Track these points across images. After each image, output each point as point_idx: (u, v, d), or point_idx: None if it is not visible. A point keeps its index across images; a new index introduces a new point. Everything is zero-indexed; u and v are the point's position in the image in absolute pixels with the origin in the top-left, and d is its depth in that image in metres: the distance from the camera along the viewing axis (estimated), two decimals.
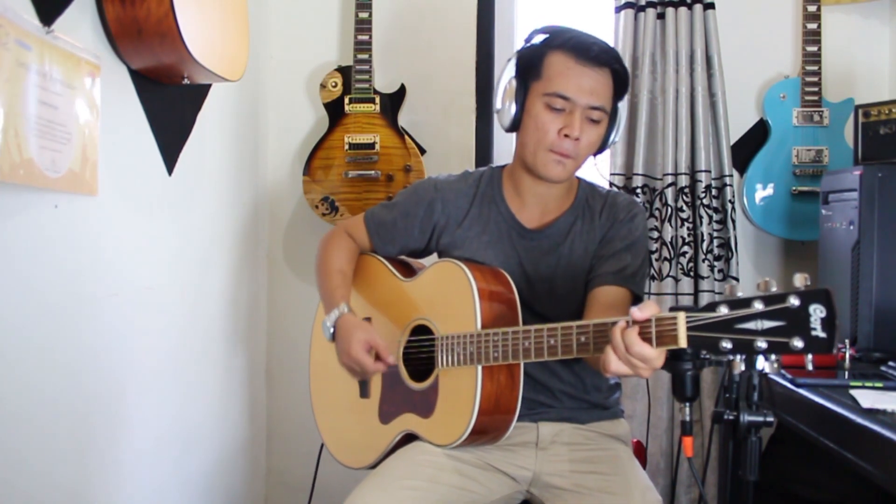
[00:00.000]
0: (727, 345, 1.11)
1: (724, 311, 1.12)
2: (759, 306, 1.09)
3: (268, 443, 2.76)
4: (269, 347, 2.74)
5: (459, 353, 1.49)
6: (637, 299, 1.59)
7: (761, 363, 1.13)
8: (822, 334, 1.05)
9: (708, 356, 1.22)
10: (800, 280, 1.08)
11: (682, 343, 1.15)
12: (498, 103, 1.62)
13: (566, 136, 1.53)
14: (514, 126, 1.60)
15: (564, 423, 1.62)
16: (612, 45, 2.45)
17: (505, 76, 1.61)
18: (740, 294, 1.12)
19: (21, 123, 1.37)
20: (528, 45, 1.60)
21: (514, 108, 1.58)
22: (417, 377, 1.59)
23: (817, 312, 1.05)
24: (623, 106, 1.61)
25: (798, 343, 1.06)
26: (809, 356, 1.08)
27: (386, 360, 1.56)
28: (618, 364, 1.23)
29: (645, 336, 1.20)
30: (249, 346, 2.60)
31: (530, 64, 1.57)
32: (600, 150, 1.63)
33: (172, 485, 2.09)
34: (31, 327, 1.51)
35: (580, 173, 1.68)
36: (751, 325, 1.09)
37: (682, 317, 1.15)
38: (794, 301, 1.06)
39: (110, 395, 1.78)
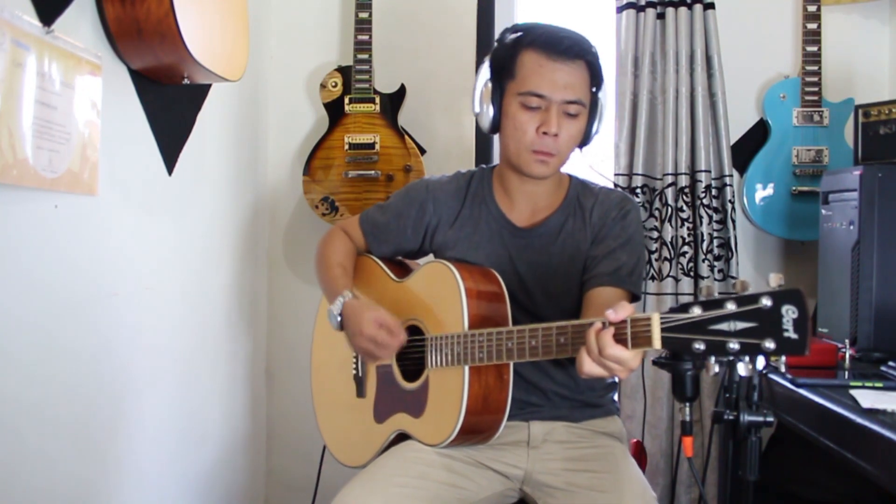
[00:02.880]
0: (700, 346, 1.09)
1: (697, 311, 1.10)
2: (731, 307, 1.07)
3: (268, 443, 2.76)
4: (269, 347, 2.74)
5: (447, 354, 1.49)
6: (634, 298, 1.59)
7: (741, 367, 1.12)
8: (794, 335, 1.03)
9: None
10: (774, 280, 1.07)
11: (657, 345, 1.14)
12: (476, 106, 1.63)
13: (544, 133, 1.53)
14: (494, 128, 1.61)
15: (556, 422, 1.62)
16: (614, 44, 2.45)
17: (480, 79, 1.61)
18: (716, 294, 1.10)
19: (15, 124, 1.36)
20: (500, 45, 1.60)
21: (491, 111, 1.59)
22: (410, 377, 1.60)
23: (789, 313, 1.04)
24: (604, 95, 1.60)
25: (770, 344, 1.04)
26: (782, 358, 1.07)
27: (398, 337, 1.54)
28: (591, 365, 1.23)
29: (620, 338, 1.19)
30: (249, 345, 2.60)
31: (503, 65, 1.57)
32: (584, 142, 1.62)
33: (172, 484, 2.09)
34: (33, 326, 1.51)
35: (573, 171, 1.68)
36: (724, 326, 1.08)
37: (656, 318, 1.14)
38: (766, 302, 1.05)
39: (111, 395, 1.78)
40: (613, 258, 1.58)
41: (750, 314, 1.06)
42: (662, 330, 1.14)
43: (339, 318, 1.61)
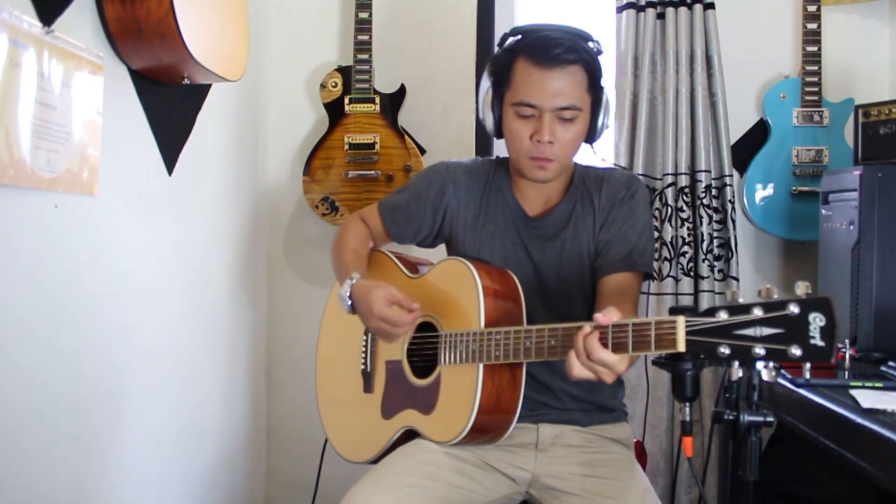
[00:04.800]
0: (725, 350, 1.11)
1: (723, 316, 1.12)
2: (758, 313, 1.09)
3: (268, 443, 2.76)
4: (269, 347, 2.74)
5: (462, 351, 1.49)
6: (648, 277, 1.63)
7: (763, 372, 1.12)
8: (821, 343, 1.05)
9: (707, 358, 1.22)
10: (801, 288, 1.08)
11: (681, 347, 1.16)
12: (480, 112, 1.66)
13: (538, 141, 1.54)
14: (497, 134, 1.64)
15: (565, 426, 1.62)
16: (614, 44, 2.42)
17: (483, 85, 1.64)
18: (741, 300, 1.12)
19: (12, 124, 1.36)
20: (499, 51, 1.61)
21: (491, 118, 1.62)
22: (420, 374, 1.60)
23: (817, 321, 1.05)
24: (608, 88, 1.60)
25: (796, 351, 1.06)
26: (808, 364, 1.08)
27: (411, 309, 1.52)
28: (580, 369, 1.26)
29: (617, 341, 1.23)
30: (249, 345, 2.60)
31: (501, 73, 1.59)
32: (592, 138, 1.62)
33: (172, 484, 2.09)
34: (33, 326, 1.51)
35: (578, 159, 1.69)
36: (749, 332, 1.10)
37: (681, 321, 1.15)
38: (793, 309, 1.07)
39: (111, 395, 1.78)
40: (625, 241, 1.60)
41: (777, 320, 1.08)
42: (687, 333, 1.15)
43: (349, 302, 1.59)
